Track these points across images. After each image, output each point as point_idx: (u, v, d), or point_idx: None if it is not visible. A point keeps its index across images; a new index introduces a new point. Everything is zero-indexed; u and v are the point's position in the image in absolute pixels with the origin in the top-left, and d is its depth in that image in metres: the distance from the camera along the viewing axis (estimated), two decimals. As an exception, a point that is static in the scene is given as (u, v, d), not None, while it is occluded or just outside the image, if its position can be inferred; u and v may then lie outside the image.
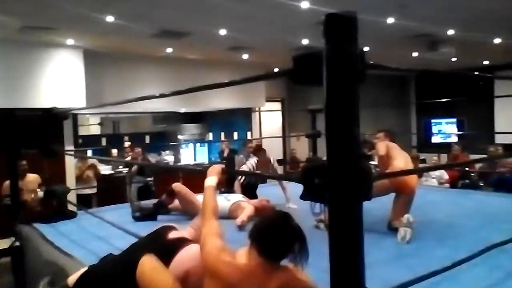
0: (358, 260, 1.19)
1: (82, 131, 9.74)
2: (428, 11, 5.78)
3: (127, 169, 7.75)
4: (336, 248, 1.20)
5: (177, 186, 4.20)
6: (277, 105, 11.48)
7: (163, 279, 1.93)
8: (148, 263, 1.98)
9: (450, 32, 7.00)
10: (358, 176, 1.20)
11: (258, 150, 5.13)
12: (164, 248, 2.16)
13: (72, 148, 7.42)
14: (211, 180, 2.19)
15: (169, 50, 7.88)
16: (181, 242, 2.20)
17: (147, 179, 7.25)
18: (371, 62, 1.46)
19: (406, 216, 3.30)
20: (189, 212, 3.93)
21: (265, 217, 1.81)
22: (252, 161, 5.01)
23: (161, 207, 4.28)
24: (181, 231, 2.39)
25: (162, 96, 2.55)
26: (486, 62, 10.54)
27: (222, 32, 6.50)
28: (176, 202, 4.27)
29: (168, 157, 10.37)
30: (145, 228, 2.75)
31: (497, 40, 7.77)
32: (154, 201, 4.56)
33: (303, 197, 1.44)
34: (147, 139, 10.81)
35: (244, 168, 5.07)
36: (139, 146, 7.94)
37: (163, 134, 11.22)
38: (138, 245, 2.32)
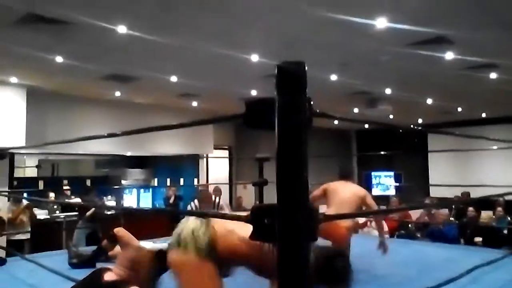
0: (305, 298, 1.22)
1: (18, 173, 9.20)
2: (367, 70, 6.24)
3: (73, 213, 7.37)
4: (284, 286, 1.23)
5: (119, 231, 4.05)
6: (225, 153, 11.56)
7: None
8: None
9: (388, 91, 7.55)
10: (306, 215, 1.26)
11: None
12: None
13: (6, 189, 6.98)
14: None
15: (117, 93, 7.83)
16: (117, 286, 2.11)
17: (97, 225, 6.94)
18: (318, 111, 1.57)
19: None
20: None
21: None
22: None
23: (101, 254, 4.09)
24: (116, 272, 2.29)
25: (107, 136, 2.52)
26: (420, 121, 11.35)
27: (173, 78, 6.59)
28: (117, 249, 4.10)
29: (109, 203, 9.96)
30: (82, 275, 2.61)
31: (429, 101, 8.45)
32: (94, 247, 4.35)
33: (253, 237, 1.46)
34: (88, 183, 10.38)
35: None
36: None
37: (105, 179, 10.83)
38: None
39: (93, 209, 6.86)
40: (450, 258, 4.42)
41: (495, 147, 6.96)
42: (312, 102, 1.44)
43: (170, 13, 4.11)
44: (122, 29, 4.39)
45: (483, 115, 10.36)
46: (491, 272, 3.61)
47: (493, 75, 6.34)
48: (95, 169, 10.82)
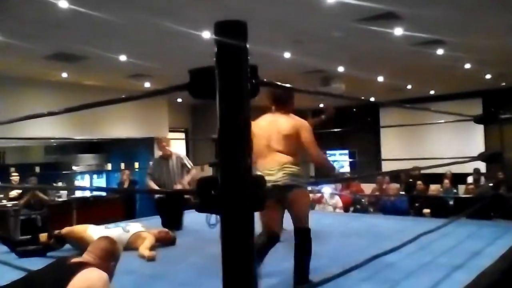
0: (251, 267, 1.21)
1: (-42, 162, 8.68)
2: (319, 48, 6.26)
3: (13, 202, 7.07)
4: (228, 257, 1.21)
5: (67, 232, 3.88)
6: (181, 135, 11.40)
7: None
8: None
9: (340, 69, 7.64)
10: (251, 185, 1.23)
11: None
12: (62, 271, 2.11)
13: None
14: None
15: (64, 74, 7.47)
16: (81, 266, 2.13)
17: (32, 213, 6.69)
18: (265, 80, 1.52)
19: None
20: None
21: None
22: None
23: (49, 249, 3.90)
24: (85, 258, 2.29)
25: (48, 114, 2.40)
26: (372, 99, 11.61)
27: (122, 58, 6.35)
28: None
29: (61, 190, 9.59)
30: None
31: (380, 78, 8.64)
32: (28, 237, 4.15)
33: (199, 209, 1.42)
34: (38, 170, 9.94)
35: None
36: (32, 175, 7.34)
37: (56, 165, 10.41)
38: (38, 273, 2.23)
39: (28, 195, 6.67)
40: (400, 229, 4.58)
41: (442, 121, 7.22)
42: (257, 68, 1.39)
43: (114, -14, 3.93)
44: (63, 3, 4.15)
45: (432, 92, 10.74)
46: (438, 240, 3.79)
47: (440, 51, 6.54)
48: (45, 156, 10.38)
